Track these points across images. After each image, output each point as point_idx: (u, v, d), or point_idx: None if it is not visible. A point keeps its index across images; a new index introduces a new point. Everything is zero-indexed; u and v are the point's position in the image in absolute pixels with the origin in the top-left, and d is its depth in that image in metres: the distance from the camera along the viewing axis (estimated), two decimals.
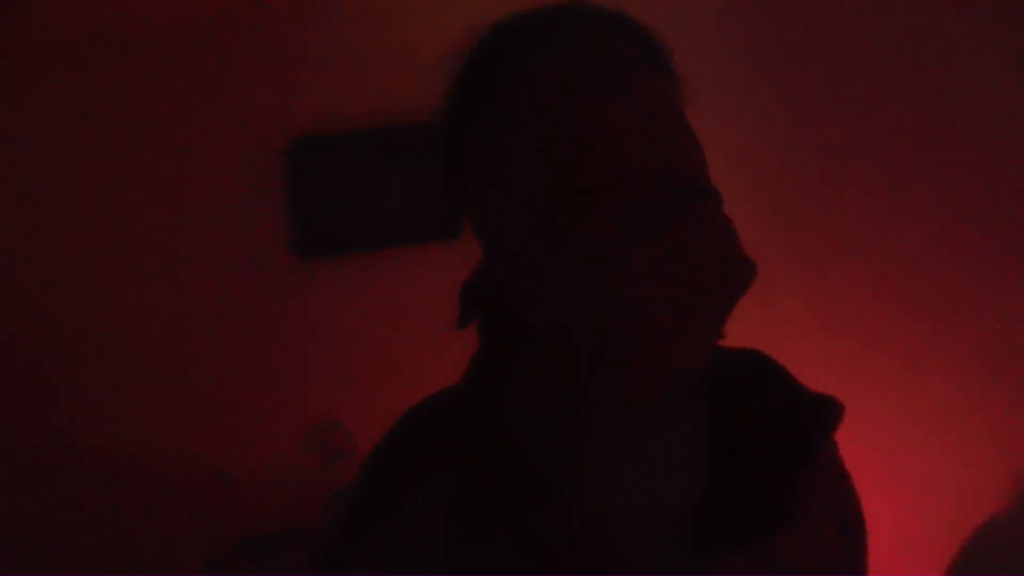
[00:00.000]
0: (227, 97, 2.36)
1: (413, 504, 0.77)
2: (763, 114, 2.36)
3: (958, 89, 2.37)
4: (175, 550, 2.29)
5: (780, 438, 0.77)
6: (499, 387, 0.80)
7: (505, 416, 0.79)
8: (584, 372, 0.73)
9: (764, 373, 0.83)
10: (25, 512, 2.31)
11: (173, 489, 2.33)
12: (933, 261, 2.37)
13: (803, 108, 2.39)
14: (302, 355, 2.36)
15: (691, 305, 0.70)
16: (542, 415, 0.78)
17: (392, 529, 0.77)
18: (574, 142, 0.71)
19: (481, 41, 0.79)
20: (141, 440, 2.33)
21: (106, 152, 2.36)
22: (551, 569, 0.72)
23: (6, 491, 2.30)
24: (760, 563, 0.72)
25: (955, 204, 2.37)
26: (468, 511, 0.74)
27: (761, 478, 0.75)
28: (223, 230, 2.37)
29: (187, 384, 2.36)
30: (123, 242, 2.36)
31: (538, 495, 0.74)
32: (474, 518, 0.74)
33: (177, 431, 2.34)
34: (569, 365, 0.74)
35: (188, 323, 2.37)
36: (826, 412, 0.80)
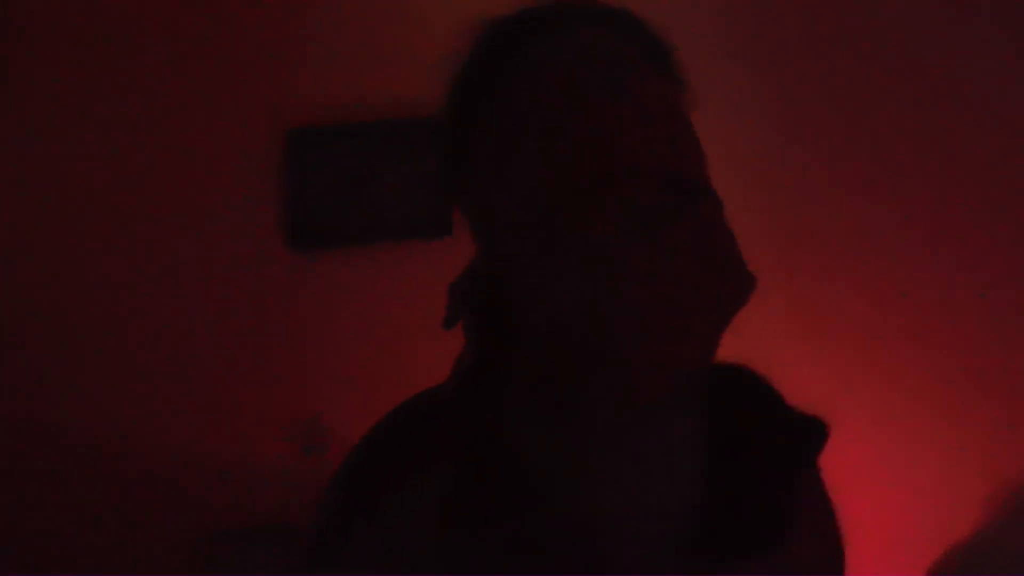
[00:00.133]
0: (224, 89, 2.35)
1: (404, 501, 0.77)
2: (760, 116, 2.36)
3: (956, 91, 2.39)
4: (161, 542, 2.28)
5: (766, 459, 0.79)
6: (492, 386, 0.80)
7: (501, 415, 0.78)
8: (583, 371, 0.73)
9: (752, 391, 0.85)
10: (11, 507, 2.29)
11: (160, 481, 2.31)
12: (925, 267, 2.38)
13: (800, 110, 2.40)
14: (293, 348, 2.35)
15: (691, 305, 0.70)
16: (539, 414, 0.78)
17: (382, 526, 0.77)
18: (574, 141, 0.71)
19: (483, 38, 0.79)
20: (127, 431, 2.31)
21: (101, 144, 2.34)
22: (543, 570, 0.72)
23: None
24: None
25: (949, 208, 2.37)
26: (461, 509, 0.75)
27: (753, 494, 0.77)
28: (217, 221, 2.35)
29: (177, 376, 2.34)
30: (117, 234, 2.34)
31: (532, 495, 0.75)
32: (467, 517, 0.74)
33: (165, 423, 2.33)
34: (568, 364, 0.74)
35: (181, 315, 2.35)
36: (811, 434, 0.82)
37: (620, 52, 0.75)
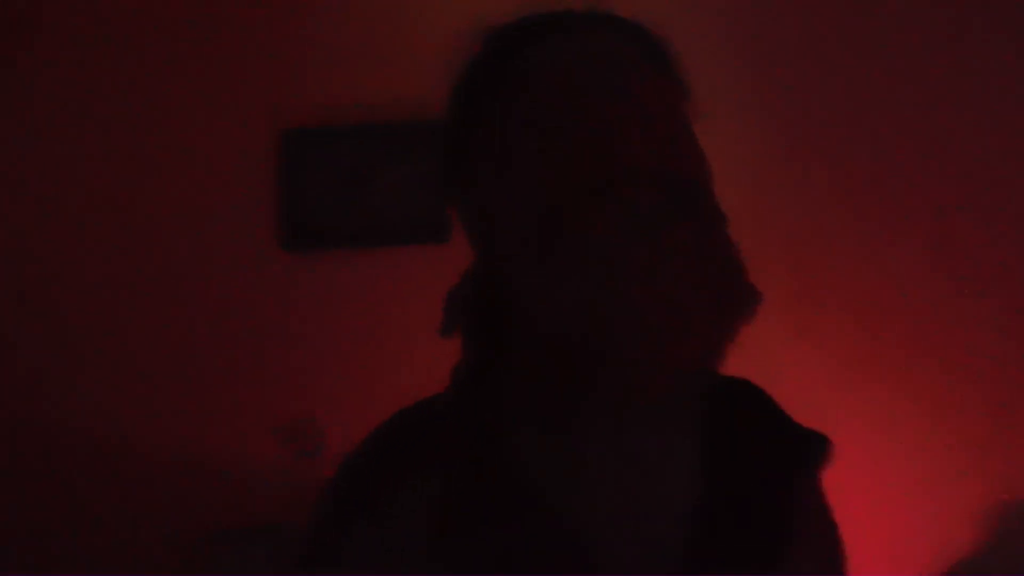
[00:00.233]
0: (222, 89, 2.35)
1: (403, 502, 0.76)
2: (761, 117, 2.35)
3: (956, 91, 2.38)
4: (161, 542, 2.28)
5: (770, 472, 0.79)
6: (491, 389, 0.80)
7: (499, 417, 0.79)
8: (582, 372, 0.73)
9: (754, 404, 0.84)
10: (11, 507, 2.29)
11: (158, 481, 2.30)
12: (925, 267, 2.37)
13: (801, 110, 2.38)
14: (289, 349, 2.34)
15: (690, 305, 0.70)
16: (538, 416, 0.78)
17: (381, 527, 0.76)
18: (575, 143, 0.71)
19: (486, 41, 0.80)
20: (126, 431, 2.31)
21: (100, 144, 2.34)
22: (537, 572, 0.72)
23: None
24: None
25: (948, 209, 2.36)
26: (458, 511, 0.75)
27: (751, 504, 0.77)
28: (214, 221, 2.35)
29: (175, 376, 2.34)
30: (115, 235, 2.35)
31: (528, 498, 0.75)
32: (464, 519, 0.74)
33: (163, 423, 2.32)
34: (567, 365, 0.74)
35: (178, 315, 2.35)
36: (814, 449, 0.82)
37: (621, 55, 0.75)
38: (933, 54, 2.38)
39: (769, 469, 0.79)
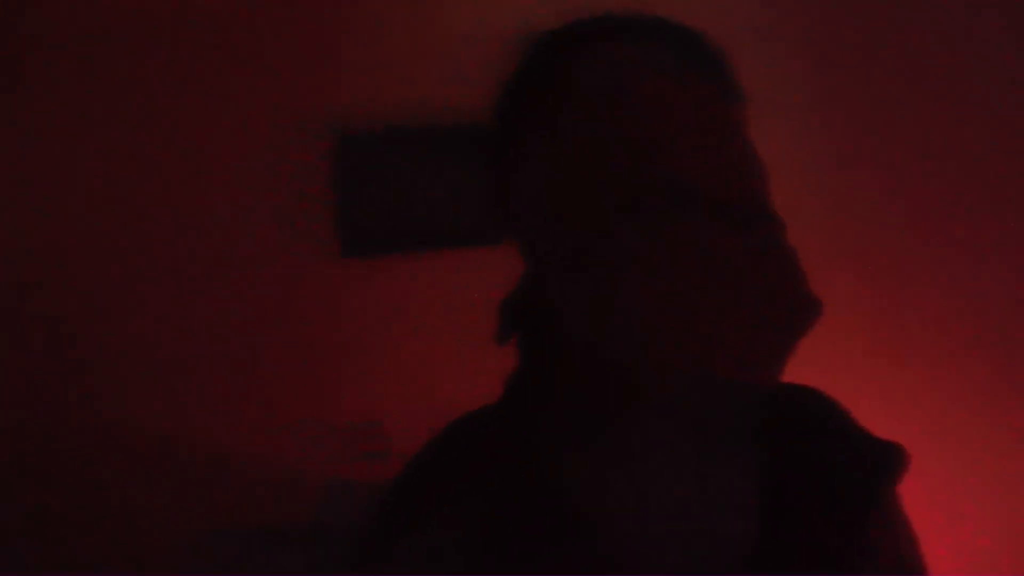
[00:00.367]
0: (277, 97, 2.37)
1: (444, 517, 0.76)
2: (824, 120, 2.31)
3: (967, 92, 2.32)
4: (196, 540, 2.28)
5: (839, 486, 0.74)
6: (535, 406, 0.78)
7: (539, 437, 0.76)
8: (623, 386, 0.71)
9: (822, 414, 0.80)
10: (57, 500, 2.33)
11: (212, 482, 2.34)
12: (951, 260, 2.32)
13: (865, 117, 2.34)
14: (349, 353, 2.36)
15: (738, 319, 0.68)
16: (580, 431, 0.75)
17: (422, 540, 0.76)
18: (615, 156, 0.69)
19: (534, 48, 0.77)
20: (184, 433, 2.35)
21: (160, 153, 2.38)
22: None
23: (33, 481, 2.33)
24: None
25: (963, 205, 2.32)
26: (496, 529, 0.73)
27: (816, 528, 0.72)
28: (271, 225, 2.38)
29: (236, 380, 2.37)
30: (175, 240, 2.38)
31: (564, 519, 0.72)
32: (500, 538, 0.73)
33: (222, 426, 2.35)
34: (608, 378, 0.72)
35: (238, 321, 2.38)
36: (890, 460, 0.77)
37: (665, 63, 0.72)
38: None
39: (838, 482, 0.74)
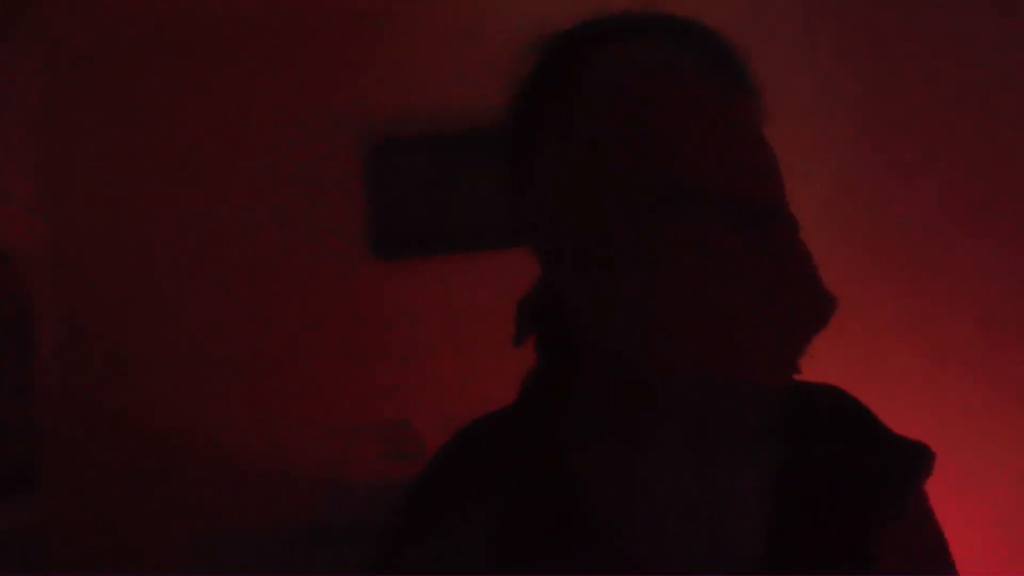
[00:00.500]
0: (310, 102, 2.41)
1: (463, 518, 0.76)
2: (846, 118, 2.30)
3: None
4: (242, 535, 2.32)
5: (863, 486, 0.72)
6: (553, 406, 0.77)
7: (556, 437, 0.76)
8: (642, 387, 0.71)
9: (845, 413, 0.78)
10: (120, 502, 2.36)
11: (245, 479, 2.37)
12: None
13: (881, 115, 2.33)
14: (376, 353, 2.38)
15: (754, 319, 0.67)
16: (600, 432, 0.74)
17: (441, 540, 0.76)
18: (631, 159, 0.68)
19: (544, 50, 0.76)
20: (221, 431, 2.38)
21: (195, 154, 2.43)
22: None
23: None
24: None
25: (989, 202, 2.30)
26: (515, 530, 0.73)
27: (837, 529, 0.71)
28: (305, 228, 2.41)
29: (272, 379, 2.40)
30: (212, 244, 2.43)
31: (582, 520, 0.72)
32: (519, 538, 0.72)
33: (255, 425, 2.38)
34: (627, 379, 0.71)
35: (269, 319, 2.41)
36: (915, 460, 0.75)
37: (682, 63, 0.71)
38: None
39: (864, 482, 0.73)
